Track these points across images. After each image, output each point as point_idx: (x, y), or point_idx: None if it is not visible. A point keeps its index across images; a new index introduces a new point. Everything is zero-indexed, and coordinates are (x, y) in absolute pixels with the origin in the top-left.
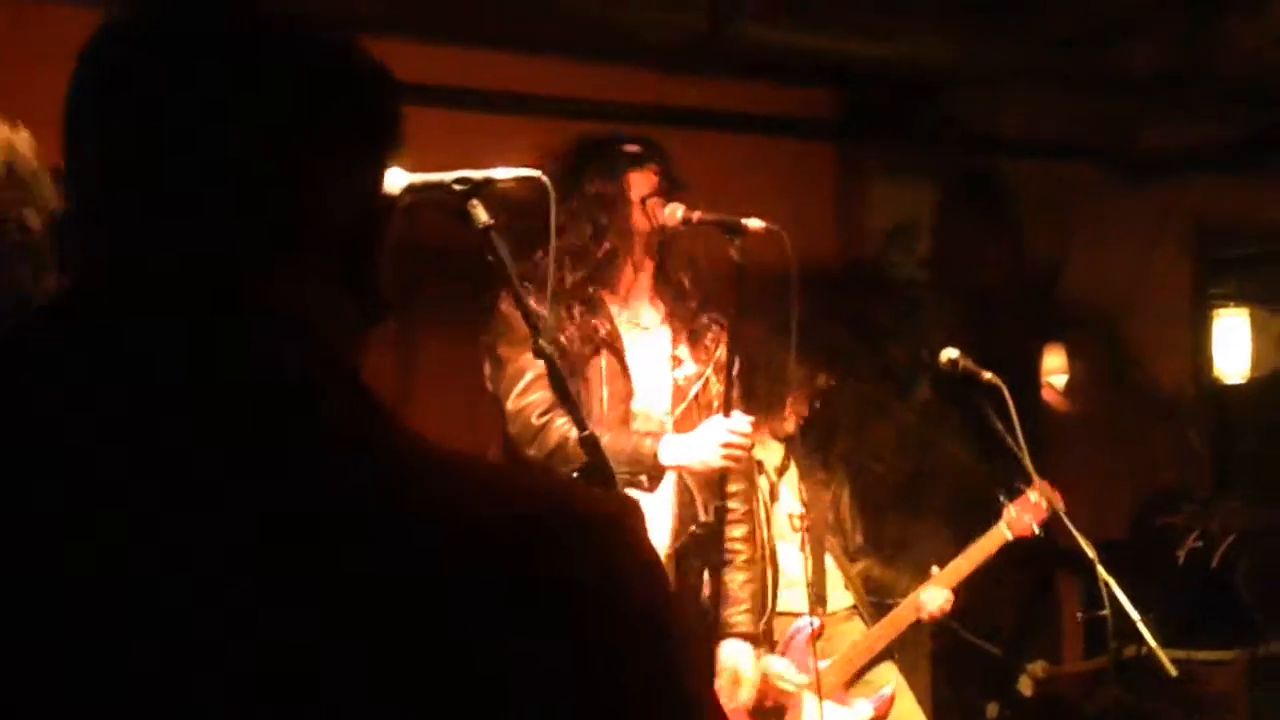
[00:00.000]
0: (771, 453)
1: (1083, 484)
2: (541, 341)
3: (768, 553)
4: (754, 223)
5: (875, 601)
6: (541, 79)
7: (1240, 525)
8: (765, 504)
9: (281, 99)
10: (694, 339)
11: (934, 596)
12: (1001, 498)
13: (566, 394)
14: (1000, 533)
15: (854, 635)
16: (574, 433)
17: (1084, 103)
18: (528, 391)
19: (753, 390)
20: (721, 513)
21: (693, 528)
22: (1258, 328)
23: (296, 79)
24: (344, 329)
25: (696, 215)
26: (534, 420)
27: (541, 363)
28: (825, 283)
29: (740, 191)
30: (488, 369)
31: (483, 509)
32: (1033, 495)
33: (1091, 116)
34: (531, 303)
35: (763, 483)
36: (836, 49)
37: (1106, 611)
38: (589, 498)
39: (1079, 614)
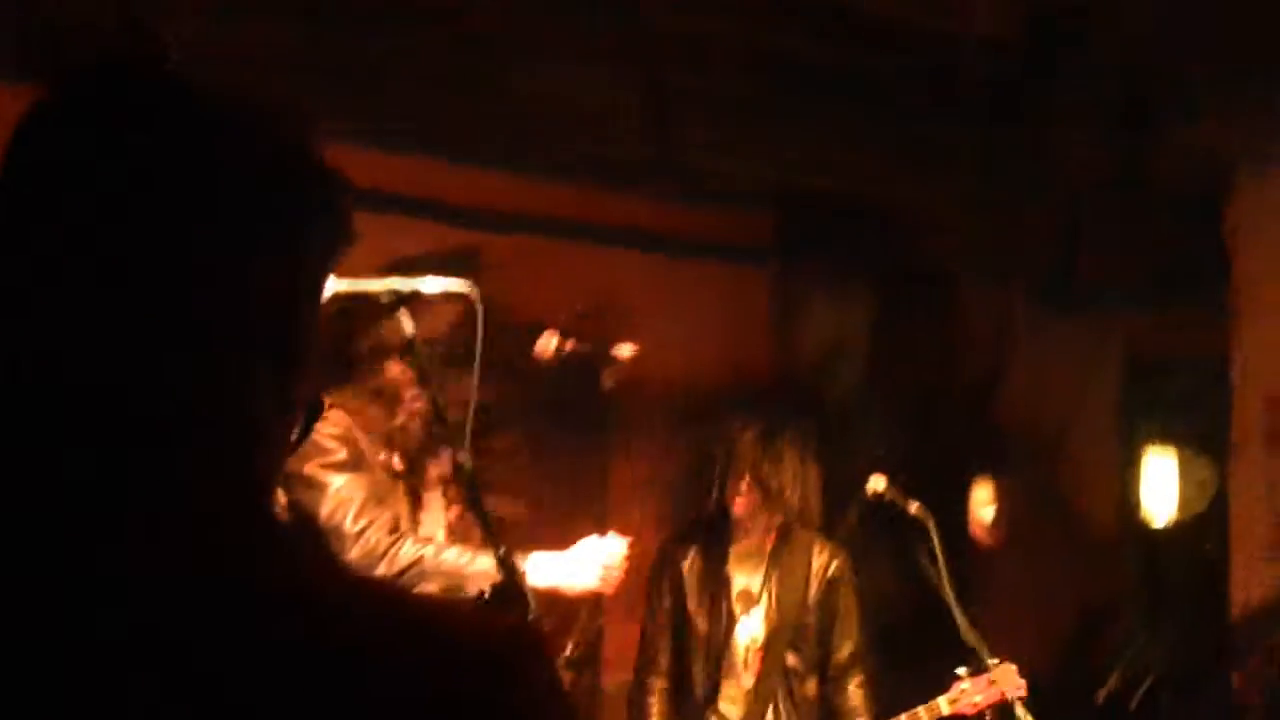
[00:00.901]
0: (742, 573)
1: (1006, 619)
2: (460, 455)
3: (711, 692)
4: (624, 350)
5: None
6: (479, 190)
7: (1162, 668)
8: (723, 633)
9: (205, 188)
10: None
11: None
12: (960, 671)
13: (482, 509)
14: (936, 707)
15: None
16: (427, 550)
17: (1018, 229)
18: (363, 513)
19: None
20: (600, 631)
21: (570, 649)
22: (1185, 469)
23: (227, 168)
24: (265, 444)
25: (569, 345)
26: (384, 539)
27: (364, 483)
28: (761, 400)
29: (678, 310)
30: (299, 494)
31: (396, 642)
32: (991, 676)
33: (1031, 245)
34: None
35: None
36: (774, 177)
37: None
38: (486, 623)
39: None
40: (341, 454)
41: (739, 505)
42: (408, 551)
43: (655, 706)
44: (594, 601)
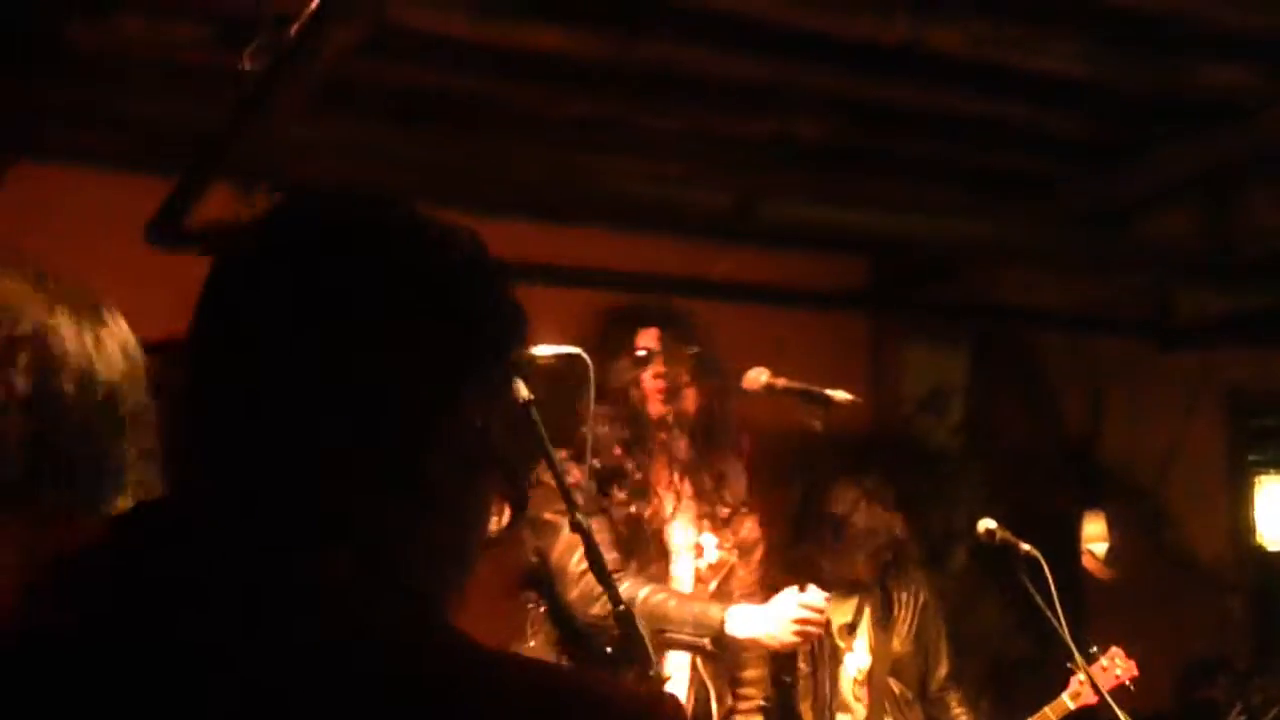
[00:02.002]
0: (841, 609)
1: (1124, 649)
2: (579, 516)
3: None
4: (839, 394)
5: None
6: (576, 251)
7: None
8: (825, 670)
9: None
10: (719, 525)
11: None
12: (1070, 664)
13: (603, 568)
14: (1062, 704)
15: None
16: (642, 591)
17: (1112, 276)
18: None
19: (827, 540)
20: (789, 685)
21: (762, 701)
22: None
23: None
24: (444, 575)
25: (781, 383)
26: (572, 564)
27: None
28: (859, 450)
29: (775, 360)
30: (533, 538)
31: (531, 710)
32: (1104, 662)
33: (1123, 287)
34: (572, 476)
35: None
36: (865, 224)
37: None
38: (628, 696)
39: None
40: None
41: (833, 550)
42: (624, 590)
43: None
44: (787, 654)
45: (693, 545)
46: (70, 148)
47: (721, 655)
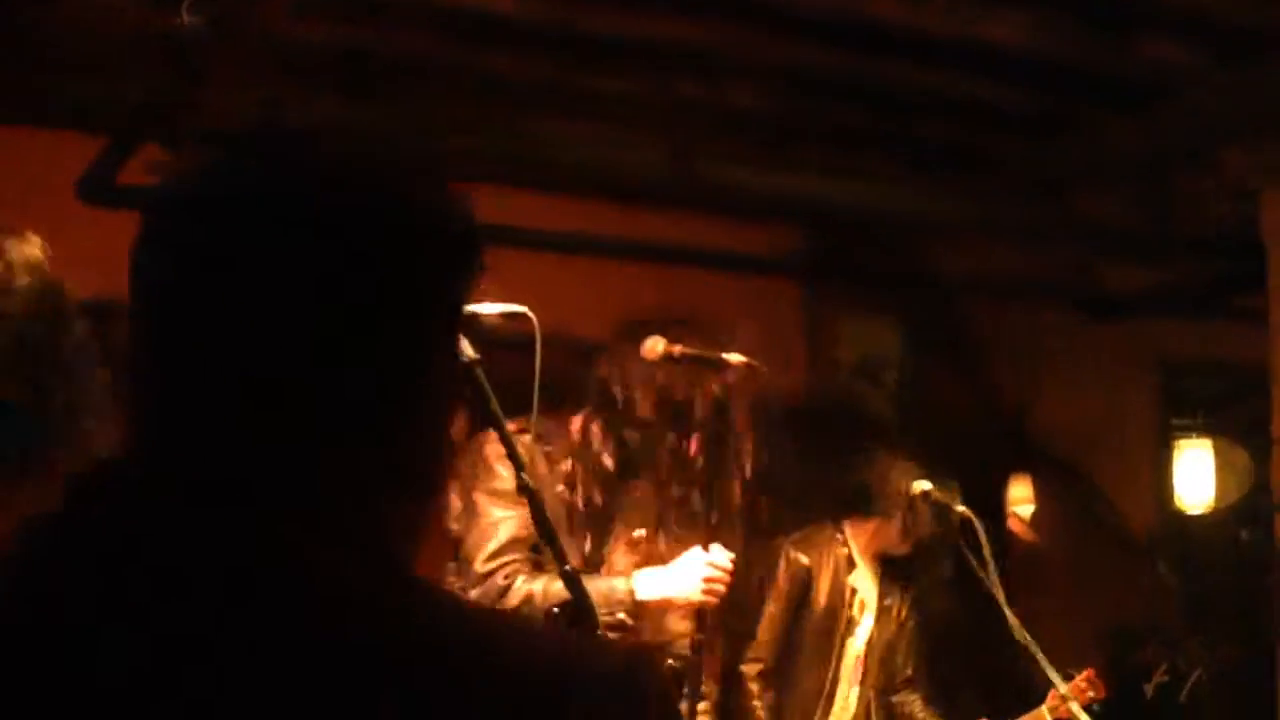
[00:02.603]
0: (867, 582)
1: (1047, 615)
2: (525, 475)
3: (824, 691)
4: (735, 358)
5: None
6: (515, 213)
7: (1207, 660)
8: (839, 639)
9: (352, 259)
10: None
11: None
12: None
13: (549, 529)
14: (1041, 715)
15: None
16: (536, 585)
17: (1049, 248)
18: (498, 555)
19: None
20: (700, 646)
21: (669, 660)
22: (1221, 459)
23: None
24: (400, 525)
25: (678, 350)
26: (499, 583)
27: (513, 517)
28: (794, 417)
29: (707, 324)
30: (458, 507)
31: (514, 669)
32: (1080, 682)
33: (1053, 259)
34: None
35: (847, 612)
36: (799, 190)
37: None
38: (619, 651)
39: None
40: (510, 483)
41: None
42: (519, 589)
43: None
44: (696, 613)
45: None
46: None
47: (641, 623)
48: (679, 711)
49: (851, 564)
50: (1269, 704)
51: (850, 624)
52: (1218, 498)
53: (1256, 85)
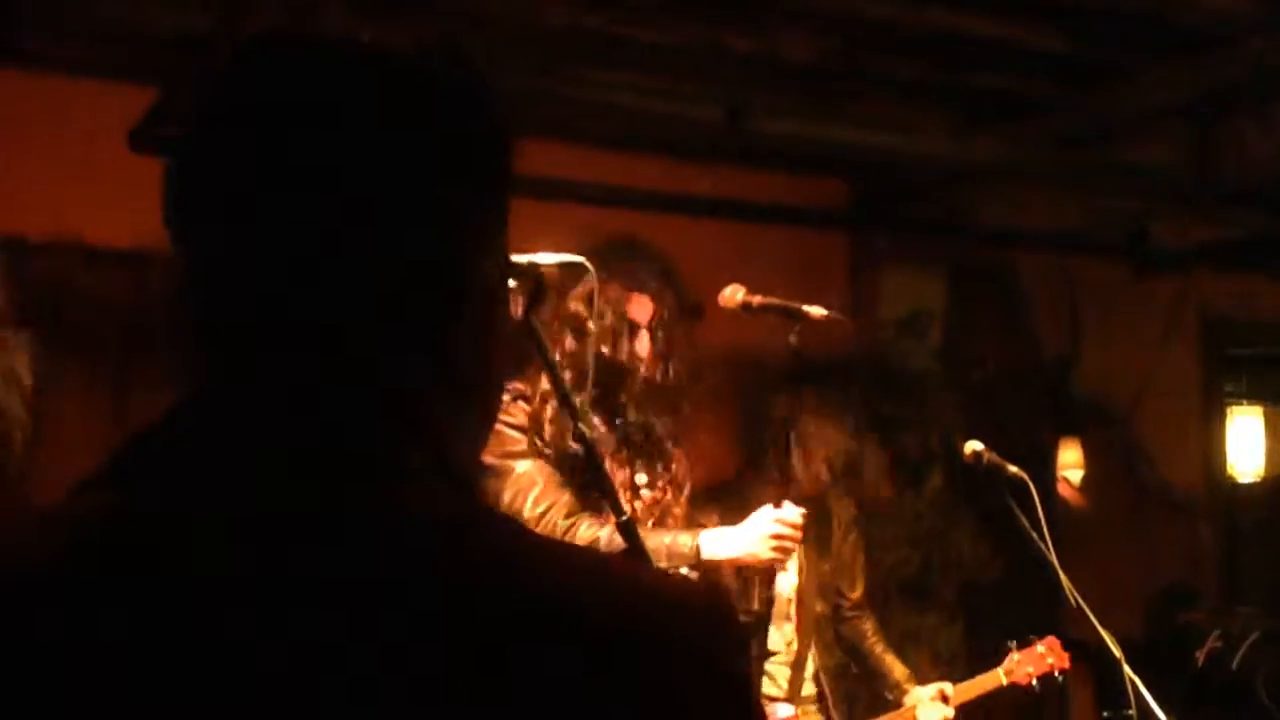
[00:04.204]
0: None
1: (1094, 579)
2: (582, 425)
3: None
4: (815, 310)
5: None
6: (562, 165)
7: (1259, 626)
8: (760, 589)
9: (415, 152)
10: (649, 464)
11: (931, 712)
12: (1010, 644)
13: (605, 478)
14: (996, 676)
15: None
16: (603, 532)
17: (1095, 199)
18: (544, 497)
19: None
20: (769, 603)
21: (742, 617)
22: (1271, 427)
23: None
24: (459, 430)
25: (757, 300)
26: (561, 522)
27: (545, 469)
28: (837, 371)
29: (753, 279)
30: (487, 482)
31: (591, 602)
32: (1040, 648)
33: (1102, 212)
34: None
35: None
36: (850, 141)
37: (1132, 712)
38: (685, 584)
39: (1104, 714)
40: (523, 444)
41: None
42: (584, 533)
43: None
44: (767, 571)
45: (626, 484)
46: (47, 55)
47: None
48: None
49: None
50: None
51: (771, 572)
52: (1268, 465)
53: None
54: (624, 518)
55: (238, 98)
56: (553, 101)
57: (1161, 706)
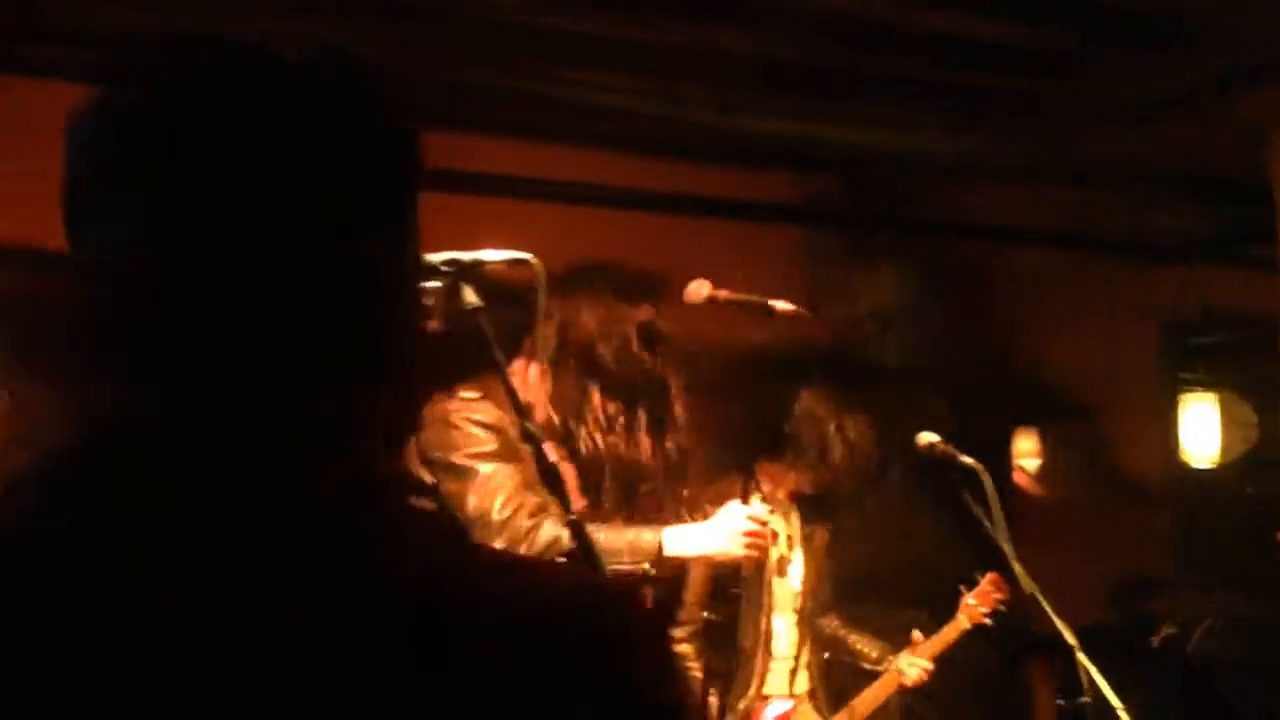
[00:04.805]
0: (790, 519)
1: (1054, 568)
2: (529, 425)
3: (763, 635)
4: (783, 305)
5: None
6: (531, 164)
7: (1214, 611)
8: (769, 581)
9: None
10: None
11: (912, 666)
12: (961, 588)
13: (556, 478)
14: (959, 623)
15: None
16: (565, 532)
17: (1057, 193)
18: (510, 501)
19: (785, 447)
20: (738, 599)
21: (706, 614)
22: (1227, 412)
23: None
24: (385, 437)
25: (724, 294)
26: (524, 524)
27: (512, 471)
28: (805, 367)
29: (721, 276)
30: (449, 484)
31: (490, 605)
32: (987, 585)
33: (1063, 205)
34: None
35: (773, 554)
36: (819, 137)
37: (1087, 699)
38: (603, 582)
39: (1059, 700)
40: (491, 445)
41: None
42: (545, 533)
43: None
44: (735, 570)
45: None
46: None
47: (661, 578)
48: (668, 654)
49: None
50: (1273, 657)
51: (782, 563)
52: (1223, 451)
53: (1269, 25)
54: (572, 517)
55: (118, 100)
56: (533, 101)
57: (1118, 693)
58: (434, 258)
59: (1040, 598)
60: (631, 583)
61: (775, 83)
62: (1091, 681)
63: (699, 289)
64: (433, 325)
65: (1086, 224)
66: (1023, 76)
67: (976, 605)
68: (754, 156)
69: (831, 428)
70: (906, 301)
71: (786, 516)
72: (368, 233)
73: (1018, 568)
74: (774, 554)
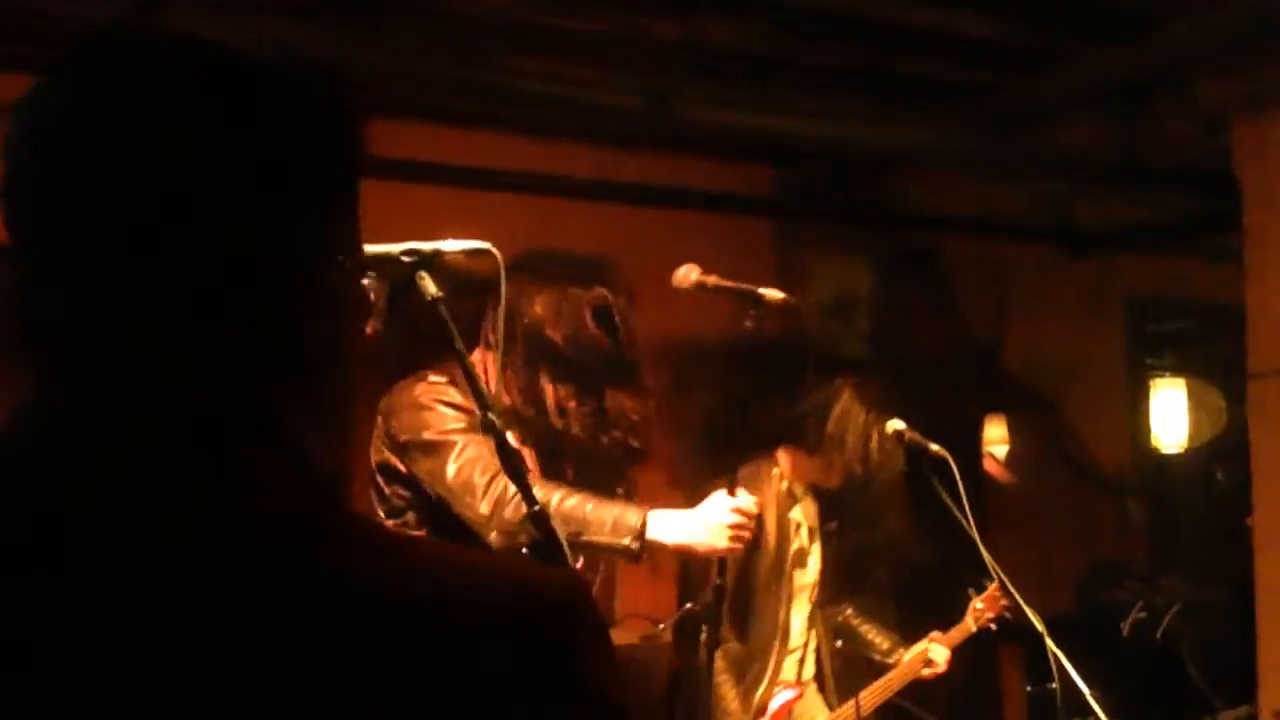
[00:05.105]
0: (809, 511)
1: (1024, 556)
2: (491, 415)
3: (781, 628)
4: (773, 294)
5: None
6: (489, 153)
7: (1183, 597)
8: (790, 574)
9: (252, 140)
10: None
11: (940, 653)
12: (970, 592)
13: (517, 469)
14: (967, 625)
15: (813, 707)
16: (554, 496)
17: (1019, 183)
18: (490, 466)
19: (810, 436)
20: (720, 591)
21: (688, 604)
22: (1195, 399)
23: (268, 115)
24: (313, 424)
25: (712, 280)
26: (509, 488)
27: (481, 440)
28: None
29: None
30: (421, 463)
31: (434, 598)
32: (994, 592)
33: (1027, 195)
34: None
35: (792, 546)
36: (775, 129)
37: (1055, 685)
38: (546, 573)
39: (1028, 687)
40: (462, 422)
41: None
42: (535, 493)
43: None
44: (717, 561)
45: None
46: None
47: (640, 558)
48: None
49: (791, 497)
50: (1241, 641)
51: (801, 554)
52: (1191, 437)
53: (1232, 14)
54: (535, 508)
55: (57, 96)
56: (480, 91)
57: (1088, 679)
58: (393, 247)
59: (1009, 585)
60: (577, 580)
61: (719, 73)
62: (1060, 668)
63: (688, 274)
64: (371, 326)
65: (1053, 213)
66: (986, 67)
67: (984, 610)
68: (696, 148)
69: (875, 432)
70: (873, 291)
71: (805, 508)
72: (277, 230)
73: (986, 555)
74: (793, 546)
